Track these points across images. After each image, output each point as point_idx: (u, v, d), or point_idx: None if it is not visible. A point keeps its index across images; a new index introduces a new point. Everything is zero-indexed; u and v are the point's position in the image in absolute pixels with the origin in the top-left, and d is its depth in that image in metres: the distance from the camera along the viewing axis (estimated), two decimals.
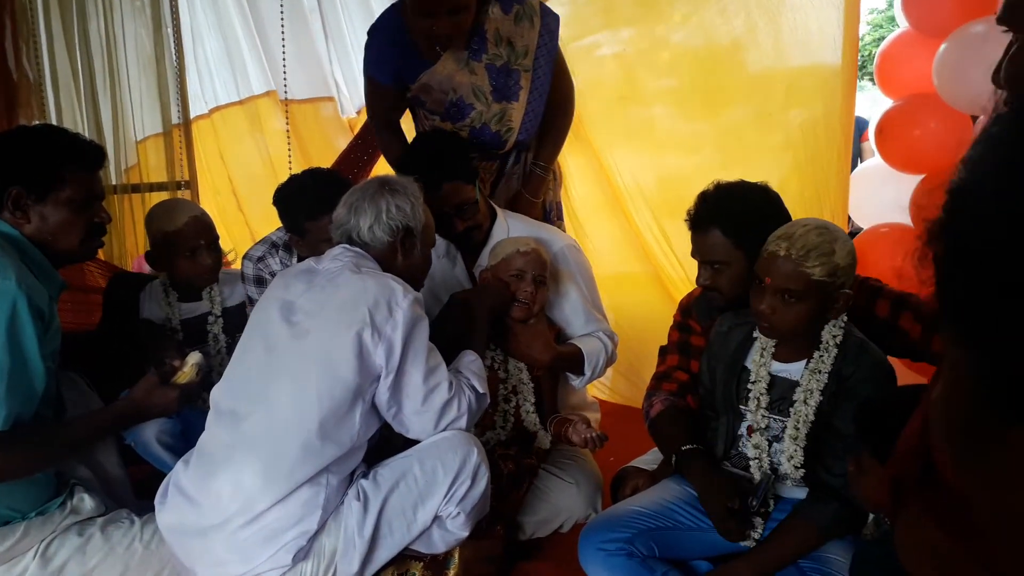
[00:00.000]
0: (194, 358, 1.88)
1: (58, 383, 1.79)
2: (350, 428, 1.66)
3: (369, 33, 2.45)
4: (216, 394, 1.76)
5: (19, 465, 1.62)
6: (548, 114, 2.50)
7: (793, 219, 1.94)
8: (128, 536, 1.77)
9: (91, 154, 1.81)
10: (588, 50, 3.24)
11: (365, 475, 1.75)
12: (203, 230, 2.27)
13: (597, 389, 3.37)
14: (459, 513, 1.75)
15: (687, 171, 3.23)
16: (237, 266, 2.84)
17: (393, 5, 2.42)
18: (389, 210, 1.80)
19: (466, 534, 1.80)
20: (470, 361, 1.94)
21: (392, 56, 2.40)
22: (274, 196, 2.30)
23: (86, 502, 1.78)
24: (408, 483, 1.72)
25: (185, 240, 2.22)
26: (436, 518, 1.75)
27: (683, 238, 3.17)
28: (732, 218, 1.86)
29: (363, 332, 1.64)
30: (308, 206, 2.18)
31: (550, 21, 2.41)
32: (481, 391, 1.87)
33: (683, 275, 3.31)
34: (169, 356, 1.98)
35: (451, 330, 2.11)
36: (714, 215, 1.88)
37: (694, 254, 1.97)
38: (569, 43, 3.14)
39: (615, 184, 3.29)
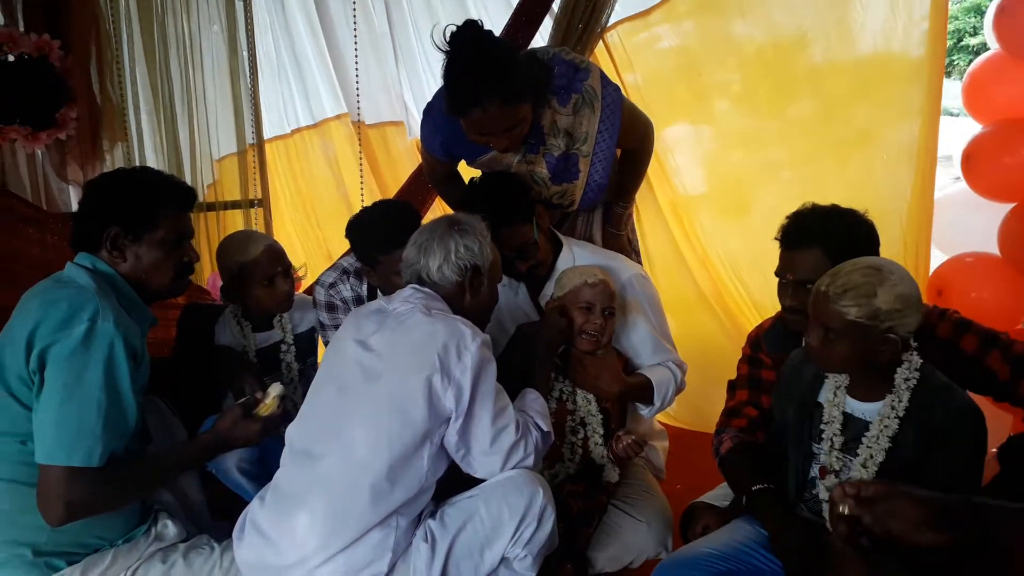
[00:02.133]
0: (276, 390, 1.92)
1: (144, 411, 1.85)
2: (418, 470, 1.69)
3: (424, 112, 2.43)
4: (291, 433, 1.80)
5: (114, 499, 1.69)
6: (625, 159, 2.46)
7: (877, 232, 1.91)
8: (209, 563, 1.81)
9: (184, 195, 1.88)
10: (649, 43, 3.17)
11: (432, 514, 1.76)
12: (277, 258, 2.32)
13: (663, 414, 3.33)
14: (526, 555, 1.75)
15: (752, 169, 3.15)
16: (309, 280, 2.91)
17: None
18: (458, 250, 1.82)
19: (534, 575, 1.79)
20: (533, 399, 1.95)
21: (445, 139, 2.37)
22: (347, 229, 2.33)
23: (169, 528, 1.84)
24: (475, 525, 1.73)
25: (262, 269, 2.26)
26: (503, 559, 1.75)
27: (742, 238, 3.13)
28: (835, 238, 1.83)
29: (433, 377, 1.66)
30: (380, 241, 2.21)
31: (611, 100, 2.28)
32: (546, 430, 1.87)
33: (740, 290, 3.25)
34: (249, 385, 2.03)
35: (518, 362, 2.12)
36: (817, 233, 1.86)
37: (782, 272, 1.93)
38: (629, 38, 3.09)
39: (671, 185, 3.23)
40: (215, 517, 2.08)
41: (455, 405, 1.68)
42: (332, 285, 2.50)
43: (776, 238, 1.95)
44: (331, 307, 2.49)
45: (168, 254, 1.83)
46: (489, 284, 1.92)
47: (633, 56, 3.13)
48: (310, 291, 2.61)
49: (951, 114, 5.21)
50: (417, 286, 1.85)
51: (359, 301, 2.47)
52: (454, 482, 1.84)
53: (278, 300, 2.31)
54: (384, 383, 1.70)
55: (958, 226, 2.83)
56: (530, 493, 1.74)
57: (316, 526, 1.63)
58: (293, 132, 3.95)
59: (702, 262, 3.28)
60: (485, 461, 1.75)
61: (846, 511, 1.15)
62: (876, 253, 1.86)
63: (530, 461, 1.79)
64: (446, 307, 1.82)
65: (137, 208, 1.78)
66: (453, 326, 1.72)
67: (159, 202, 1.80)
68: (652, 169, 3.15)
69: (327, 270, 2.58)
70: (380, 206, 2.39)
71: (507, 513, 1.72)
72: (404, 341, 1.73)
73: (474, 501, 1.76)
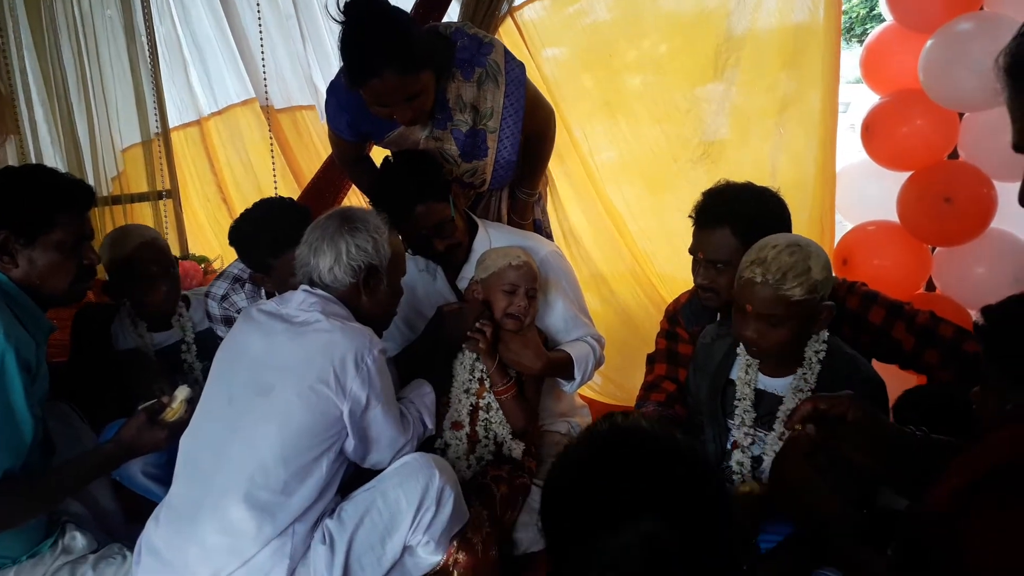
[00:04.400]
0: (183, 393, 1.84)
1: (46, 420, 1.77)
2: (318, 478, 1.67)
3: (329, 91, 2.35)
4: (183, 445, 1.74)
5: (13, 516, 1.62)
6: (528, 145, 2.44)
7: (779, 192, 1.95)
8: (119, 573, 1.77)
9: (81, 195, 1.78)
10: (563, 22, 3.14)
11: (331, 513, 1.74)
12: (156, 254, 2.20)
13: (586, 388, 3.36)
14: (428, 540, 1.75)
15: (668, 146, 3.17)
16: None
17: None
18: (349, 251, 1.76)
19: (440, 559, 1.80)
20: (425, 394, 1.99)
21: (352, 117, 2.31)
22: (230, 237, 2.20)
23: (78, 540, 1.78)
24: (373, 518, 1.71)
25: (137, 266, 2.16)
26: (406, 547, 1.75)
27: (657, 214, 3.16)
28: (744, 219, 1.85)
29: (328, 391, 1.64)
30: (269, 243, 2.11)
31: (515, 76, 2.27)
32: (429, 426, 1.95)
33: (656, 266, 3.29)
34: (156, 389, 1.95)
35: (440, 337, 2.14)
36: (727, 214, 1.88)
37: (695, 250, 1.96)
38: (542, 16, 3.08)
39: (586, 163, 3.24)
40: (133, 521, 2.00)
41: (350, 417, 1.67)
42: (225, 297, 2.35)
43: (690, 215, 1.97)
44: (228, 321, 2.34)
45: (65, 257, 1.74)
46: (389, 281, 1.86)
47: (544, 35, 3.11)
48: None
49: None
50: (309, 288, 1.78)
51: None
52: (355, 482, 1.84)
53: (155, 301, 2.21)
54: (279, 395, 1.65)
55: (863, 195, 2.92)
56: (426, 477, 1.74)
57: (214, 543, 1.59)
58: (201, 119, 3.80)
59: (620, 238, 3.31)
60: (377, 458, 1.79)
61: (803, 428, 1.21)
62: (788, 231, 1.88)
63: (411, 451, 1.84)
64: (344, 311, 1.77)
65: (28, 210, 1.68)
66: (349, 336, 1.69)
67: (53, 203, 1.71)
68: (567, 146, 3.16)
69: (216, 279, 2.41)
70: (261, 206, 2.24)
71: (404, 501, 1.72)
72: (299, 352, 1.68)
73: (371, 494, 1.75)
